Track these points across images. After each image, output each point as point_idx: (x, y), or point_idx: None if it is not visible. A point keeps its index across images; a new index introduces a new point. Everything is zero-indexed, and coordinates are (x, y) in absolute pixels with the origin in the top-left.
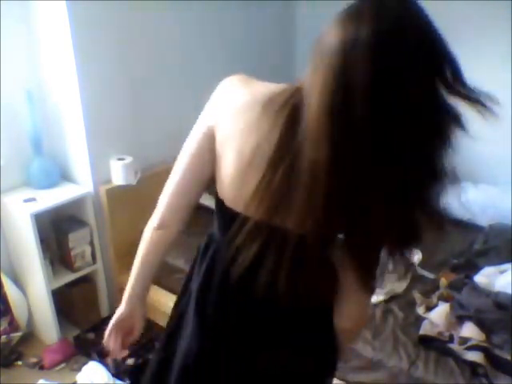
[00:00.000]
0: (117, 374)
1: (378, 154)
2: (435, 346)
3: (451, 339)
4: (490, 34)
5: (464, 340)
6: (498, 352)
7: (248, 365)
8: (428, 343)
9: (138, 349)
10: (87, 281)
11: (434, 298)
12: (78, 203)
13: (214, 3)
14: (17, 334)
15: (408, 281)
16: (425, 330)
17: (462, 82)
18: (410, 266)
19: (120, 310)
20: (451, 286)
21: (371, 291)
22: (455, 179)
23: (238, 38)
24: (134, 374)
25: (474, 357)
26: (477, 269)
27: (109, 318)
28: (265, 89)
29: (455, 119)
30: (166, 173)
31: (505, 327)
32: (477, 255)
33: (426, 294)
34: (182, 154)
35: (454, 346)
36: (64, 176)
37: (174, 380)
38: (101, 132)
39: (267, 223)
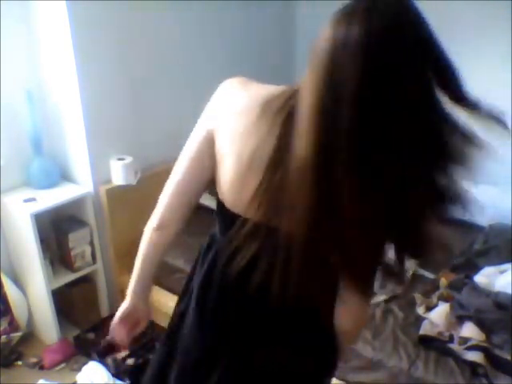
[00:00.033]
0: (117, 374)
1: (366, 154)
2: (435, 346)
3: (451, 339)
4: (490, 33)
5: (464, 340)
6: (498, 352)
7: (246, 362)
8: (428, 343)
9: (138, 349)
10: (87, 281)
11: (434, 298)
12: (77, 203)
13: (213, 3)
14: (17, 334)
15: (408, 281)
16: (425, 330)
17: (455, 85)
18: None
19: (124, 305)
20: (451, 286)
21: (369, 296)
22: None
23: (237, 38)
24: (133, 373)
25: (474, 357)
26: (477, 269)
27: (109, 317)
28: (263, 91)
29: (451, 119)
30: (166, 173)
31: (505, 327)
32: (477, 255)
33: (426, 294)
34: (181, 156)
35: (454, 346)
36: (64, 176)
37: (175, 377)
38: (101, 132)
39: (266, 225)
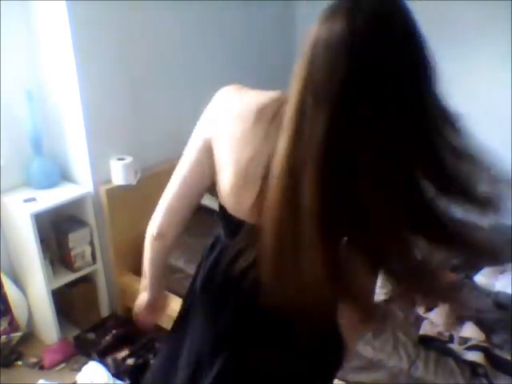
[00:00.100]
0: (117, 374)
1: (349, 157)
2: (435, 346)
3: (451, 339)
4: (490, 34)
5: (464, 340)
6: (498, 352)
7: (243, 361)
8: (428, 343)
9: (138, 349)
10: (87, 281)
11: None
12: (78, 203)
13: (213, 3)
14: (17, 334)
15: None
16: (425, 330)
17: (430, 85)
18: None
19: (145, 298)
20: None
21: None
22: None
23: (237, 38)
24: (133, 373)
25: (474, 357)
26: (477, 269)
27: (109, 317)
28: (258, 98)
29: (444, 112)
30: (166, 173)
31: (505, 327)
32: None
33: None
34: (180, 165)
35: (454, 346)
36: (64, 176)
37: (182, 368)
38: (101, 132)
39: None
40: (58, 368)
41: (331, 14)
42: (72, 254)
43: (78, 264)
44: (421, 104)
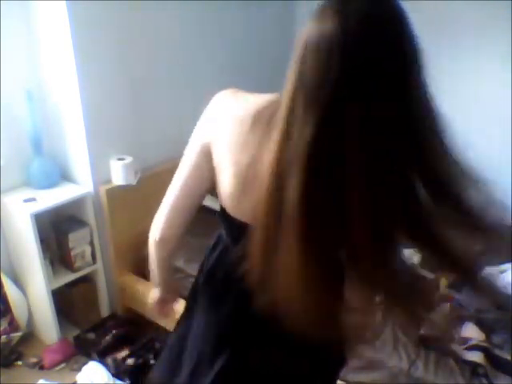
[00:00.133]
0: (117, 374)
1: (336, 149)
2: (435, 346)
3: (451, 339)
4: (490, 33)
5: (464, 340)
6: (498, 352)
7: (244, 360)
8: (428, 343)
9: (138, 349)
10: (87, 281)
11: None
12: (78, 203)
13: (213, 3)
14: (17, 334)
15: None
16: (425, 330)
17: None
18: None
19: (157, 295)
20: (451, 285)
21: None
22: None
23: (237, 38)
24: (133, 373)
25: (474, 357)
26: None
27: (109, 317)
28: (256, 101)
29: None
30: (166, 173)
31: (505, 327)
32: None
33: None
34: (180, 170)
35: (454, 346)
36: (64, 176)
37: (187, 365)
38: (101, 132)
39: None
40: (58, 368)
41: (322, 14)
42: (72, 254)
43: (78, 264)
44: (412, 103)
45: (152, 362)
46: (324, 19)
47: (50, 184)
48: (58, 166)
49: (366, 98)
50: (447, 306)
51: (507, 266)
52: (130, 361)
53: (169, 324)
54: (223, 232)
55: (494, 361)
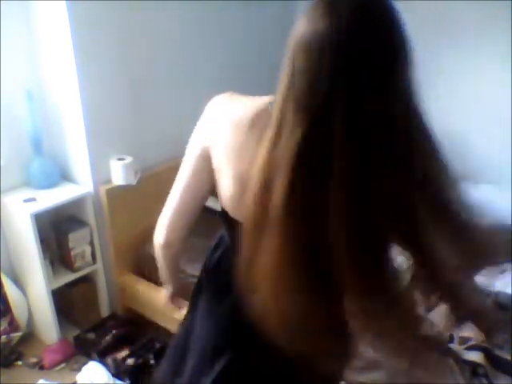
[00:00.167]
0: (117, 374)
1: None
2: (435, 346)
3: (451, 339)
4: (490, 33)
5: (464, 340)
6: (498, 352)
7: (244, 361)
8: (428, 343)
9: (138, 349)
10: (87, 281)
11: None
12: (78, 203)
13: (213, 3)
14: (17, 334)
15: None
16: (425, 330)
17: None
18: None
19: (169, 291)
20: None
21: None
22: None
23: (237, 38)
24: (133, 373)
25: (474, 357)
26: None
27: (109, 317)
28: (252, 106)
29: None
30: (166, 173)
31: (505, 327)
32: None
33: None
34: (180, 174)
35: (454, 346)
36: (64, 176)
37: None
38: (101, 132)
39: None
40: (58, 368)
41: (312, 13)
42: (72, 254)
43: (78, 264)
44: (400, 103)
45: (152, 361)
46: (314, 18)
47: (50, 184)
48: (58, 166)
49: (356, 97)
50: (447, 306)
51: (507, 266)
52: (130, 361)
53: (169, 324)
54: (225, 233)
55: (494, 361)
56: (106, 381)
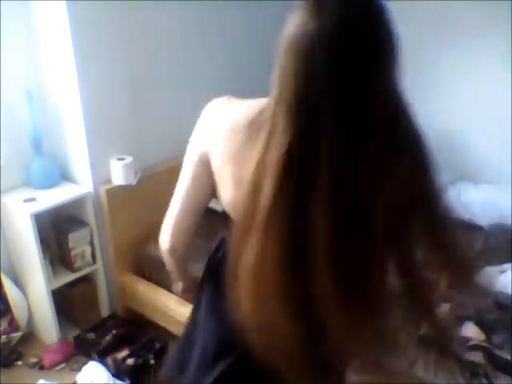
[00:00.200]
0: (117, 374)
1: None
2: (435, 346)
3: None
4: (490, 33)
5: (464, 340)
6: (498, 352)
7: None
8: (428, 343)
9: (138, 349)
10: (87, 281)
11: None
12: (78, 203)
13: (213, 3)
14: (17, 334)
15: None
16: (425, 330)
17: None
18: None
19: (183, 286)
20: (451, 286)
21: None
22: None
23: (238, 38)
24: (133, 373)
25: (474, 357)
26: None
27: (109, 317)
28: (248, 110)
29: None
30: (166, 173)
31: (505, 327)
32: (477, 255)
33: None
34: (180, 181)
35: (454, 346)
36: (64, 176)
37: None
38: (101, 132)
39: None
40: (58, 368)
41: (301, 13)
42: (72, 254)
43: (78, 264)
44: (389, 103)
45: (152, 361)
46: (303, 19)
47: (50, 184)
48: (58, 166)
49: (344, 97)
50: (447, 306)
51: (507, 265)
52: (130, 361)
53: (169, 324)
54: (227, 234)
55: (494, 361)
56: (106, 381)
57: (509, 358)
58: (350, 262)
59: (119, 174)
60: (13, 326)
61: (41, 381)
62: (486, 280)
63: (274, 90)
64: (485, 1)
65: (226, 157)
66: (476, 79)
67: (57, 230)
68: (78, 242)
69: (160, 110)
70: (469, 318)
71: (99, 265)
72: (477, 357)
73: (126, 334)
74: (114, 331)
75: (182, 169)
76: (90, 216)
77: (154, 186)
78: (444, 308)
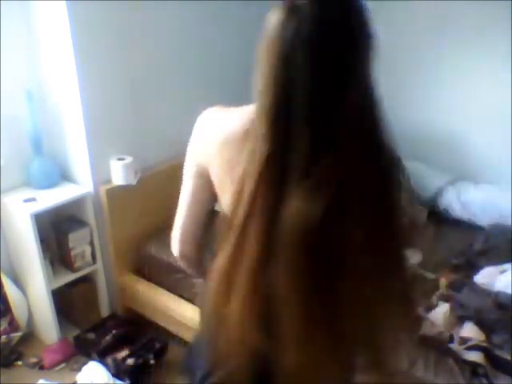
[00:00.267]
0: (117, 374)
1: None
2: (435, 346)
3: (451, 339)
4: (490, 33)
5: (464, 340)
6: (498, 352)
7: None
8: (428, 343)
9: (138, 349)
10: (87, 281)
11: (434, 298)
12: (78, 203)
13: (213, 3)
14: (17, 334)
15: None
16: (425, 330)
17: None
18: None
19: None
20: (451, 285)
21: None
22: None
23: (238, 38)
24: (133, 373)
25: (474, 357)
26: (477, 269)
27: (109, 317)
28: (242, 118)
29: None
30: (166, 173)
31: (505, 327)
32: (477, 255)
33: (426, 294)
34: (182, 192)
35: (454, 346)
36: (64, 176)
37: None
38: (101, 132)
39: None
40: (58, 368)
41: (277, 17)
42: (72, 254)
43: (78, 264)
44: (363, 96)
45: (152, 361)
46: (280, 20)
47: (50, 184)
48: (58, 166)
49: (316, 93)
50: (447, 306)
51: (507, 265)
52: (130, 361)
53: (169, 324)
54: None
55: (494, 361)
56: (105, 381)
57: (509, 357)
58: (317, 269)
59: (119, 173)
60: (13, 326)
61: (41, 381)
62: (486, 280)
63: (257, 97)
64: (485, 1)
65: (225, 167)
66: (476, 79)
67: (57, 230)
68: (78, 242)
69: (160, 110)
70: (469, 318)
71: (99, 265)
72: (477, 357)
73: (126, 334)
74: (114, 331)
75: (183, 179)
76: (90, 216)
77: (154, 186)
78: (444, 308)
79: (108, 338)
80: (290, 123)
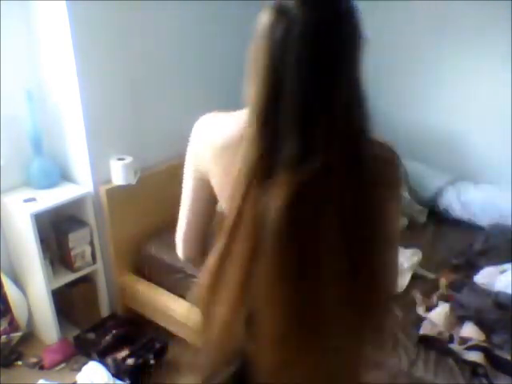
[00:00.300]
0: (117, 374)
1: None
2: (435, 346)
3: (451, 339)
4: (490, 33)
5: (464, 340)
6: (498, 352)
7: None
8: (428, 343)
9: (138, 349)
10: (87, 281)
11: (434, 298)
12: (78, 203)
13: (213, 3)
14: (17, 334)
15: (408, 280)
16: (425, 330)
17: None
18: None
19: None
20: (451, 285)
21: None
22: None
23: (238, 38)
24: (133, 373)
25: (474, 357)
26: (477, 269)
27: (109, 317)
28: (238, 124)
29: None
30: (166, 173)
31: (505, 327)
32: (477, 255)
33: (426, 294)
34: (183, 197)
35: (454, 346)
36: (64, 176)
37: None
38: (101, 132)
39: None
40: (58, 368)
41: (267, 15)
42: (72, 254)
43: (78, 264)
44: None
45: (152, 361)
46: (270, 19)
47: (50, 184)
48: (58, 166)
49: (302, 90)
50: (447, 306)
51: (507, 265)
52: (130, 361)
53: (169, 324)
54: None
55: (494, 361)
56: (105, 381)
57: (509, 357)
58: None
59: (119, 173)
60: (13, 326)
61: (41, 381)
62: (486, 280)
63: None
64: (485, 1)
65: (223, 172)
66: (476, 79)
67: (57, 230)
68: (78, 242)
69: (160, 110)
70: (469, 318)
71: (99, 265)
72: (477, 357)
73: (126, 334)
74: (114, 331)
75: (183, 184)
76: (90, 216)
77: (154, 186)
78: (444, 308)
79: (108, 338)
80: (278, 123)
